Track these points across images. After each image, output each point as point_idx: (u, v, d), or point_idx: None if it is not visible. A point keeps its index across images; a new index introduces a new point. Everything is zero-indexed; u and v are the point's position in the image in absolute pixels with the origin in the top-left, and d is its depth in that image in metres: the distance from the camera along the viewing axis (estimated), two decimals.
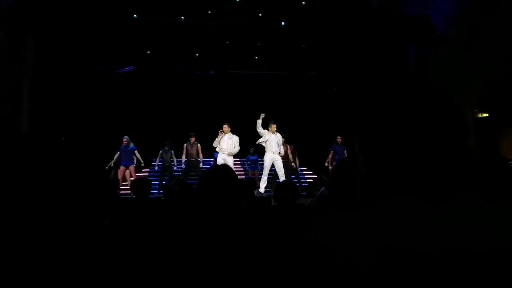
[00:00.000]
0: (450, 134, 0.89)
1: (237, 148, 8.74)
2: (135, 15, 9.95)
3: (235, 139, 8.74)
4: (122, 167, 9.59)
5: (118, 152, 9.69)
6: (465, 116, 0.93)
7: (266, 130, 8.68)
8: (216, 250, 1.41)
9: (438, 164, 0.87)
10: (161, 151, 10.05)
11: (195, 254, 1.42)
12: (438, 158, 0.87)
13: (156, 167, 10.34)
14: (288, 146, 9.59)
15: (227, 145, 8.64)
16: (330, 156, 10.01)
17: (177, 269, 1.43)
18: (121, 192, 9.18)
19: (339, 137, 10.03)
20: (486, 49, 8.20)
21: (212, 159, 9.68)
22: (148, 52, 11.19)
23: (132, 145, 9.74)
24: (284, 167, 8.96)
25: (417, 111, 0.92)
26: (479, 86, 8.40)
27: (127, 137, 9.72)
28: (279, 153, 8.77)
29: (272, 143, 8.63)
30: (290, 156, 9.62)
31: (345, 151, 9.92)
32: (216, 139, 8.70)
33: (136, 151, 9.74)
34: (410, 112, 0.92)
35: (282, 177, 8.66)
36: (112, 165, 9.66)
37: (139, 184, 3.75)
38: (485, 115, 8.87)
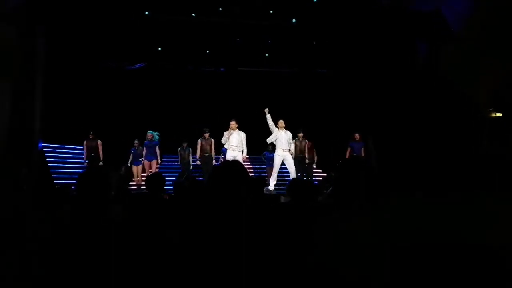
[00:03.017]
0: (464, 132, 0.88)
1: (244, 146, 8.74)
2: (146, 12, 10.00)
3: (242, 135, 8.75)
4: (145, 161, 9.75)
5: (143, 148, 9.80)
6: (478, 114, 0.91)
7: (276, 128, 8.67)
8: (220, 246, 1.41)
9: (450, 162, 0.86)
10: (179, 149, 10.09)
11: (199, 250, 1.43)
12: (450, 156, 0.86)
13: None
14: (307, 141, 9.74)
15: (236, 142, 8.66)
16: (347, 153, 9.95)
17: (179, 264, 1.44)
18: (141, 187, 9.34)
19: (357, 134, 9.90)
20: (500, 47, 8.07)
21: (222, 156, 9.68)
22: (159, 49, 11.24)
23: (156, 139, 9.88)
24: (300, 162, 9.05)
25: (429, 108, 0.91)
26: (493, 86, 8.27)
27: (151, 131, 9.86)
28: (289, 150, 8.76)
29: (282, 140, 8.62)
30: (307, 151, 9.69)
31: (362, 148, 9.79)
32: (226, 135, 8.71)
33: (157, 146, 9.88)
34: (423, 109, 0.91)
35: (292, 174, 8.66)
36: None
37: (153, 180, 3.69)
38: (498, 114, 8.74)
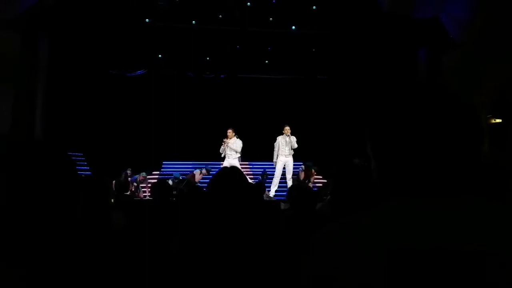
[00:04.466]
0: (464, 138, 0.88)
1: (238, 153, 8.76)
2: (147, 20, 10.06)
3: (238, 143, 8.77)
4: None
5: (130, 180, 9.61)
6: (479, 120, 0.92)
7: (279, 137, 8.71)
8: (219, 252, 1.41)
9: (450, 167, 0.86)
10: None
11: (198, 255, 1.42)
12: (451, 162, 0.86)
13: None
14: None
15: (232, 151, 8.70)
16: None
17: (178, 270, 1.43)
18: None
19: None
20: (499, 53, 8.09)
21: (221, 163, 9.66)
22: (160, 56, 11.29)
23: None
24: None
25: (430, 114, 0.91)
26: (492, 92, 8.29)
27: (144, 173, 9.64)
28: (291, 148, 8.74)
29: (285, 146, 8.67)
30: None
31: None
32: (222, 147, 8.81)
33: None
34: (423, 115, 0.92)
35: (289, 180, 8.68)
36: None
37: (158, 187, 3.61)
38: (498, 121, 8.75)
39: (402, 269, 0.72)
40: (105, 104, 11.09)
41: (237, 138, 8.81)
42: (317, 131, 11.63)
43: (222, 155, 8.85)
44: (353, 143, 10.02)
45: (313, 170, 9.59)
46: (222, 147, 8.78)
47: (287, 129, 8.71)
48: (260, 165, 10.63)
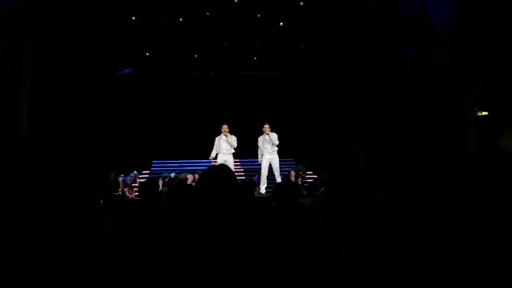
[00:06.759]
0: (451, 132, 0.88)
1: (233, 149, 8.79)
2: (133, 17, 9.95)
3: (234, 138, 8.79)
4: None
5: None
6: (465, 114, 0.92)
7: (260, 137, 8.73)
8: (213, 248, 1.40)
9: (438, 162, 0.86)
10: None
11: (194, 252, 1.42)
12: (438, 157, 0.87)
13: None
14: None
15: (227, 146, 8.67)
16: None
17: (175, 267, 1.43)
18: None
19: None
20: (485, 47, 8.20)
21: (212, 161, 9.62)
22: (147, 54, 11.19)
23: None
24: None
25: (417, 109, 0.91)
26: (479, 85, 8.40)
27: (134, 174, 9.63)
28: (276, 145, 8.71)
29: (266, 145, 8.70)
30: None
31: None
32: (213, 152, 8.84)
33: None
34: (410, 110, 0.92)
35: (278, 177, 8.70)
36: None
37: (146, 186, 3.55)
38: (484, 113, 8.88)
39: (394, 265, 0.73)
40: (93, 103, 10.96)
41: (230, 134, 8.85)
42: (305, 126, 11.68)
43: (214, 154, 8.79)
44: (341, 139, 10.11)
45: (301, 175, 9.45)
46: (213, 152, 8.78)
47: (266, 127, 8.71)
48: (251, 162, 10.63)
